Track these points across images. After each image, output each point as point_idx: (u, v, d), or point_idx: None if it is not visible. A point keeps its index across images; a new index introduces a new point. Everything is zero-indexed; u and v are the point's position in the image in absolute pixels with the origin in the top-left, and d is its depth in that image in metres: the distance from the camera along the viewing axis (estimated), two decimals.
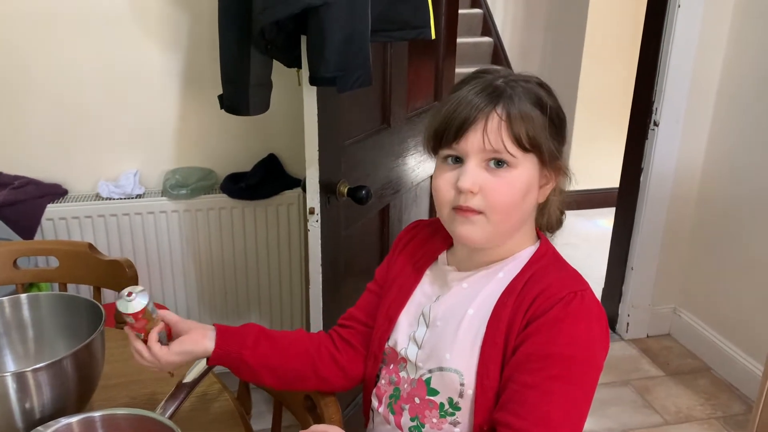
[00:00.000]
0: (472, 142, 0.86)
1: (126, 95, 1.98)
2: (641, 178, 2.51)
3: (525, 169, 0.88)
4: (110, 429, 0.88)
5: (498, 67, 0.93)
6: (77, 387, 0.95)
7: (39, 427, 0.84)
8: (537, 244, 0.96)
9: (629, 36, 3.61)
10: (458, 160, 0.89)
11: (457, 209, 0.89)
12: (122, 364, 1.18)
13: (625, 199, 2.63)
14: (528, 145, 0.87)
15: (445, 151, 0.90)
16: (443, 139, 0.89)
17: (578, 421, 0.85)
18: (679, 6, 2.27)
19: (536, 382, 0.83)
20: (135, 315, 0.93)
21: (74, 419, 0.86)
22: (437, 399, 0.93)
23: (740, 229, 2.34)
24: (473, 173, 0.87)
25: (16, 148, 1.95)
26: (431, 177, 2.30)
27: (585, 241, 3.52)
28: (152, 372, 1.01)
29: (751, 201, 2.29)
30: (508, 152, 0.86)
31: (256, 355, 1.00)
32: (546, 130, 0.88)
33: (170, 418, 0.93)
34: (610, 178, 3.36)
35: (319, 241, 1.57)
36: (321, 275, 1.61)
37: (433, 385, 0.94)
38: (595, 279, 2.79)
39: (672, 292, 2.68)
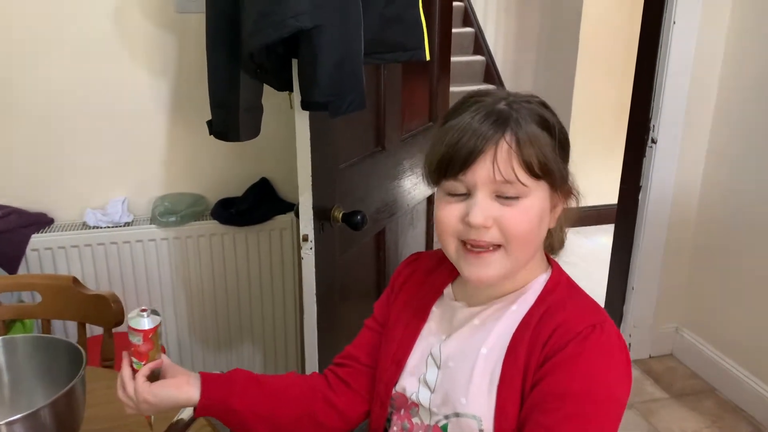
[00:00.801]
0: (481, 173, 0.80)
1: (113, 121, 1.93)
2: (640, 196, 2.48)
3: (537, 197, 0.82)
4: None
5: (494, 88, 0.88)
6: None
7: None
8: (549, 272, 0.91)
9: (622, 52, 3.60)
10: (463, 193, 0.83)
11: (469, 249, 0.83)
12: (107, 407, 1.11)
13: (624, 217, 2.59)
14: (540, 171, 0.81)
15: (450, 183, 0.83)
16: (447, 171, 0.82)
17: None
18: (674, 23, 2.24)
19: (552, 424, 0.78)
20: (145, 333, 0.89)
21: None
22: None
23: (741, 246, 2.31)
24: (484, 206, 0.81)
25: (0, 176, 1.89)
26: (428, 199, 2.24)
27: (582, 260, 3.48)
28: (137, 416, 0.95)
29: (752, 218, 2.25)
30: (520, 182, 0.80)
31: (245, 402, 0.93)
32: (555, 153, 0.83)
33: None
34: (607, 195, 3.34)
35: (314, 270, 1.52)
36: (316, 305, 1.55)
37: None
38: (595, 298, 2.74)
39: (674, 312, 2.64)
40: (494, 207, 0.81)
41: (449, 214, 0.83)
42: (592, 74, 3.74)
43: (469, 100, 0.86)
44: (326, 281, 1.58)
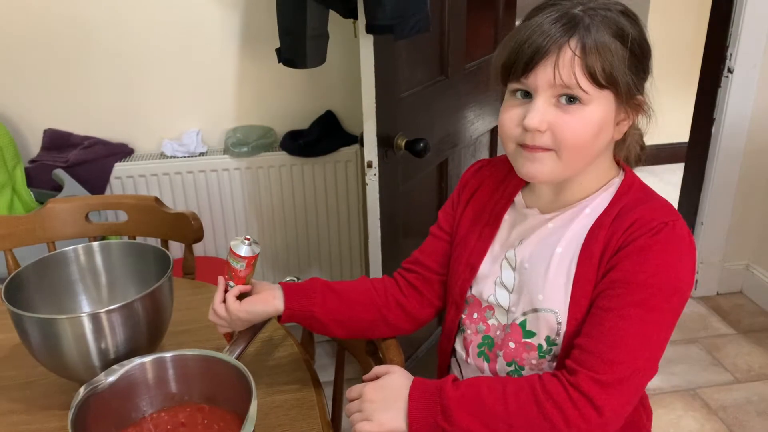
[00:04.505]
0: (543, 76, 0.81)
1: (187, 55, 2.01)
2: (713, 129, 2.39)
3: (599, 106, 0.83)
4: (180, 368, 0.91)
5: None
6: (148, 329, 0.98)
7: (114, 366, 0.88)
8: (621, 176, 0.92)
9: None
10: (527, 95, 0.85)
11: (524, 146, 0.85)
12: (191, 311, 1.22)
13: (695, 151, 2.52)
14: (604, 80, 0.81)
15: (514, 85, 0.85)
16: (511, 73, 0.84)
17: (656, 349, 0.83)
18: None
19: (615, 306, 0.82)
20: (249, 260, 0.97)
21: (147, 359, 0.89)
22: (534, 341, 0.91)
23: None
24: (541, 111, 0.82)
25: (85, 110, 2.01)
26: (490, 132, 2.21)
27: None
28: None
29: None
30: (581, 88, 0.81)
31: (325, 310, 1.01)
32: (625, 64, 0.82)
33: (236, 359, 0.95)
34: (679, 132, 3.23)
35: (378, 195, 1.56)
36: (380, 229, 1.61)
37: (529, 327, 0.92)
38: None
39: (745, 249, 2.57)
40: (551, 112, 0.83)
41: (510, 118, 0.86)
42: (666, 9, 3.56)
43: (548, 3, 0.85)
44: (389, 207, 1.62)
